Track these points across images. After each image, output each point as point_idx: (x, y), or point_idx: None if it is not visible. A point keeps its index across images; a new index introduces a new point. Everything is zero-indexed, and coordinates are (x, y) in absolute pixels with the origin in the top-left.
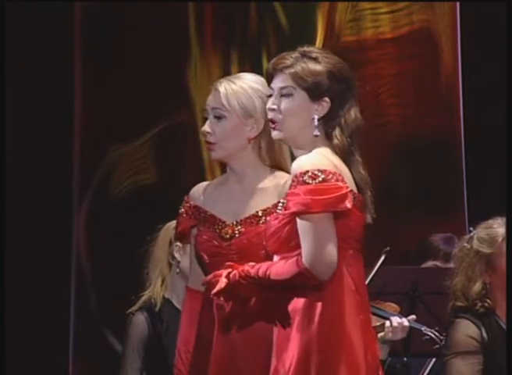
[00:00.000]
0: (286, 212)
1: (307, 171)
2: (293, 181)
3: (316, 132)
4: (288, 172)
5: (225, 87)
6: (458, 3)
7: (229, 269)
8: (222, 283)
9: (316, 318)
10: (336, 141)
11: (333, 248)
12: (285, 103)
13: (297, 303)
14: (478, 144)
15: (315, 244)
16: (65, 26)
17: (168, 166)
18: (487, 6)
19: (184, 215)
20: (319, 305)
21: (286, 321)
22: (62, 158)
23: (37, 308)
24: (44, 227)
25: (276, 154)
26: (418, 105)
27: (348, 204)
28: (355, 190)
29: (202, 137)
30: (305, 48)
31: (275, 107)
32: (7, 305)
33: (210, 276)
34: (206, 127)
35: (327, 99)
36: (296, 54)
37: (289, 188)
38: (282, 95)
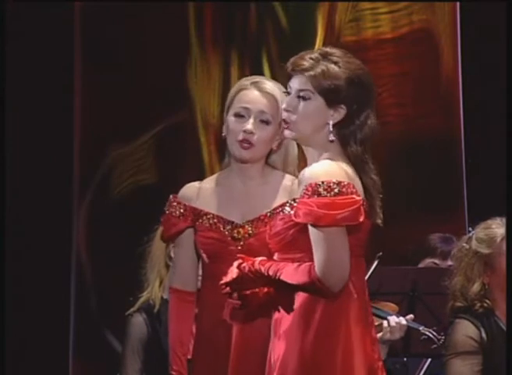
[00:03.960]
0: (295, 219)
1: (323, 182)
2: (307, 190)
3: (331, 137)
4: (291, 173)
5: (274, 89)
6: (458, 3)
7: (240, 261)
8: (234, 273)
9: (314, 323)
10: (349, 149)
11: (347, 260)
12: (301, 106)
13: (297, 303)
14: (478, 144)
15: (329, 256)
16: (65, 26)
17: (168, 166)
18: (487, 6)
19: (179, 217)
20: (319, 311)
21: (289, 308)
22: (62, 158)
23: (37, 308)
24: (44, 227)
25: (281, 157)
26: (418, 105)
27: (361, 218)
28: (362, 195)
29: (202, 138)
30: (327, 50)
31: (290, 109)
32: (7, 305)
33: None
34: (251, 127)
35: (343, 106)
36: (316, 55)
37: (301, 195)
38: (299, 97)
